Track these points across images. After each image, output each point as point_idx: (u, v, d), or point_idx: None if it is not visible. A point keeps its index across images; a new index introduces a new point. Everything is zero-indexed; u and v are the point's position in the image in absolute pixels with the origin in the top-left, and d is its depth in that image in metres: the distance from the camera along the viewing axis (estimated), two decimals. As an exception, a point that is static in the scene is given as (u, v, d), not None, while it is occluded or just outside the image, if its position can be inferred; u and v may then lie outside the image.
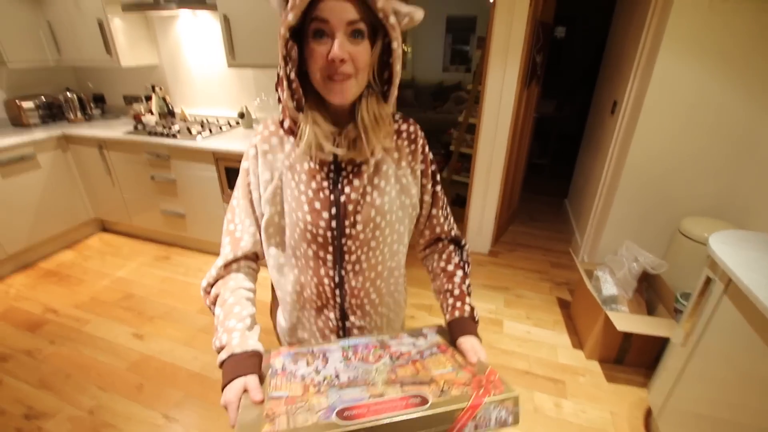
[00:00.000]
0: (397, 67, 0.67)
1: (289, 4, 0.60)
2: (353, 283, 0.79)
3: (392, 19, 0.63)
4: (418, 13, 0.65)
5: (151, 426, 1.61)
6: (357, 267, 0.78)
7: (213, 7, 2.33)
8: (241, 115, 2.75)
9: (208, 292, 0.77)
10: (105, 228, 3.24)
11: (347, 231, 0.75)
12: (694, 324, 1.39)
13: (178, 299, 2.38)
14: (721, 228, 1.70)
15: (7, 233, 2.52)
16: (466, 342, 0.72)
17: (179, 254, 2.89)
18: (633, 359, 1.88)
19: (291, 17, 0.60)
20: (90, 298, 2.39)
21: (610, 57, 3.00)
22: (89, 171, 2.88)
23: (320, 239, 0.74)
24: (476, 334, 0.76)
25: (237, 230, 0.78)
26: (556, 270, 2.72)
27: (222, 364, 0.64)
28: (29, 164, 2.60)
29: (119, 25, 2.62)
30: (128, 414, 1.66)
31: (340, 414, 0.52)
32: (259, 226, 0.78)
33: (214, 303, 0.75)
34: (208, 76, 2.91)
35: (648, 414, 1.65)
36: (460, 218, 3.07)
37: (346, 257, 0.76)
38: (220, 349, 0.67)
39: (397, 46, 0.65)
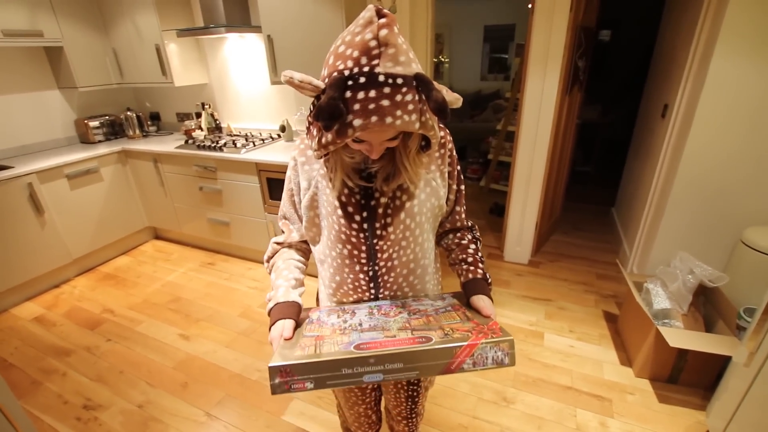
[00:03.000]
0: (435, 141, 0.70)
1: (329, 138, 0.61)
2: (386, 278, 0.84)
3: (431, 133, 0.65)
4: (458, 103, 0.66)
5: (194, 423, 1.68)
6: (389, 264, 0.82)
7: (258, 29, 2.47)
8: (282, 129, 2.87)
9: (268, 262, 0.92)
10: (158, 235, 3.47)
11: (378, 232, 0.79)
12: (760, 342, 1.27)
13: (222, 303, 2.50)
14: (789, 237, 1.56)
15: (73, 239, 2.77)
16: (479, 300, 0.79)
17: (223, 260, 3.03)
18: (689, 379, 1.73)
19: (332, 148, 0.63)
20: (143, 300, 2.55)
21: (659, 59, 2.86)
22: (145, 183, 3.11)
23: (354, 239, 0.80)
24: (488, 295, 0.82)
25: (287, 226, 0.92)
26: (602, 282, 2.58)
27: (269, 312, 0.79)
28: (94, 177, 2.85)
29: (174, 49, 2.85)
30: (173, 410, 1.74)
31: (357, 346, 0.64)
32: (302, 223, 0.89)
33: (271, 271, 0.90)
34: (253, 93, 3.07)
35: (707, 440, 1.51)
36: (499, 227, 3.00)
37: (379, 255, 0.81)
38: (269, 302, 0.82)
39: (435, 140, 0.69)
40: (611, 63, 5.23)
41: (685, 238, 2.10)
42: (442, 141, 0.82)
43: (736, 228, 1.92)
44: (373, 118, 0.58)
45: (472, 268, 0.87)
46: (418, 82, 0.60)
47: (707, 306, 1.89)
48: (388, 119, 0.58)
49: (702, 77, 1.84)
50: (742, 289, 1.76)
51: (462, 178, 0.90)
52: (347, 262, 0.83)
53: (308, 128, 0.69)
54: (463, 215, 0.94)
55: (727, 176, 1.91)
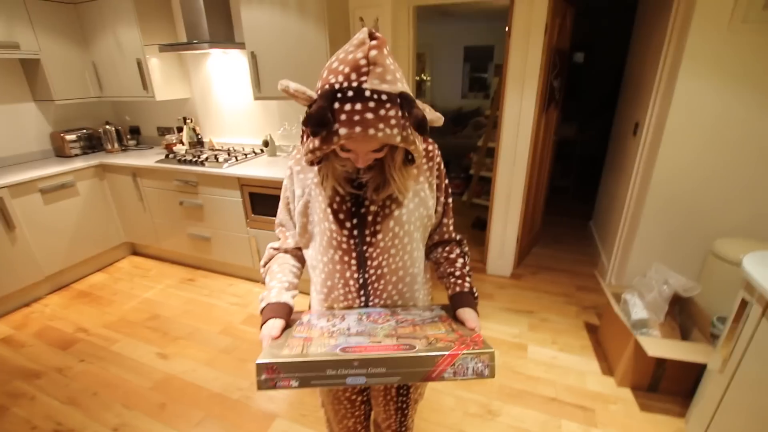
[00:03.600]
0: (417, 156, 0.74)
1: (316, 143, 0.66)
2: (376, 285, 0.86)
3: (412, 147, 0.69)
4: (439, 122, 0.74)
5: (172, 446, 1.61)
6: (379, 272, 0.85)
7: (241, 46, 2.49)
8: (266, 144, 2.87)
9: (264, 266, 0.95)
10: (135, 251, 3.37)
11: (368, 239, 0.83)
12: (732, 349, 1.32)
13: (202, 320, 2.43)
14: (756, 248, 1.64)
15: (45, 255, 2.67)
16: (464, 312, 0.82)
17: (204, 276, 2.96)
18: (668, 387, 1.78)
19: (319, 153, 0.68)
20: (118, 318, 2.46)
21: (629, 80, 3.00)
22: (123, 197, 3.04)
23: (344, 246, 0.83)
24: (475, 308, 0.85)
25: (283, 233, 0.96)
26: (582, 293, 2.64)
27: (261, 312, 0.82)
28: (69, 191, 2.77)
29: (156, 64, 2.83)
30: (150, 433, 1.67)
31: (343, 349, 0.67)
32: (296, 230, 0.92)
33: (266, 274, 0.93)
34: (236, 108, 3.07)
35: (687, 447, 1.54)
36: (481, 241, 3.04)
37: (369, 263, 0.84)
38: (261, 301, 0.85)
39: (416, 153, 0.72)
40: (585, 83, 5.46)
41: (659, 250, 2.17)
42: (431, 154, 0.87)
43: (707, 240, 2.01)
44: (357, 129, 0.63)
45: (459, 281, 0.90)
46: (402, 100, 0.65)
47: (682, 315, 1.95)
48: (371, 131, 0.63)
49: (669, 97, 1.95)
50: (714, 298, 1.83)
51: (449, 191, 0.94)
52: (338, 267, 0.85)
53: (302, 136, 0.74)
54: (451, 227, 0.97)
55: (696, 190, 2.00)
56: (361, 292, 0.87)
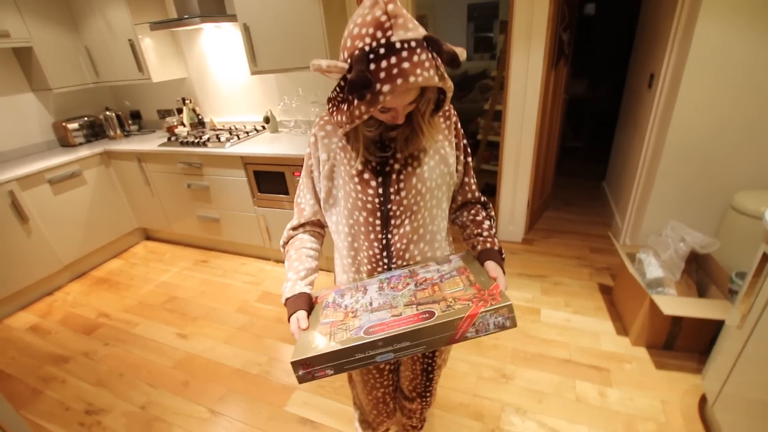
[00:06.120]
0: (448, 95, 0.77)
1: (362, 109, 0.68)
2: (398, 245, 0.88)
3: (449, 84, 0.72)
4: (463, 55, 0.73)
5: (198, 420, 1.68)
6: (401, 230, 0.88)
7: (233, 18, 2.40)
8: (267, 120, 2.82)
9: (284, 248, 0.98)
10: (148, 236, 3.42)
11: (392, 197, 0.85)
12: (751, 304, 1.28)
13: (217, 300, 2.48)
14: (778, 199, 1.57)
15: (62, 245, 2.72)
16: (491, 265, 0.82)
17: (216, 257, 3.01)
18: (684, 344, 1.76)
19: (365, 117, 0.69)
20: (137, 302, 2.53)
21: (644, 29, 2.83)
22: (130, 183, 3.05)
23: (369, 206, 0.86)
24: (500, 263, 0.85)
25: (301, 203, 0.97)
26: (595, 255, 2.60)
27: (285, 305, 0.86)
28: (77, 180, 2.79)
29: (149, 44, 2.76)
30: (176, 409, 1.74)
31: (366, 331, 0.69)
32: (319, 200, 0.94)
33: (286, 259, 0.96)
34: (234, 85, 3.00)
35: (702, 401, 1.54)
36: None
37: (392, 221, 0.87)
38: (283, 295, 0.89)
39: (449, 93, 0.75)
40: (597, 36, 5.18)
41: (675, 207, 2.11)
42: (447, 113, 0.89)
43: (726, 194, 1.93)
44: (399, 81, 0.65)
45: (489, 240, 0.92)
46: (428, 42, 0.67)
47: (699, 272, 1.91)
48: (411, 78, 0.65)
49: (687, 44, 1.82)
50: (733, 253, 1.78)
51: (469, 150, 0.95)
52: (362, 229, 0.88)
53: (333, 107, 0.75)
54: (474, 187, 0.99)
55: (715, 143, 1.91)
56: (384, 254, 0.89)
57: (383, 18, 0.65)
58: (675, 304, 1.65)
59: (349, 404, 1.67)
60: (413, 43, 0.65)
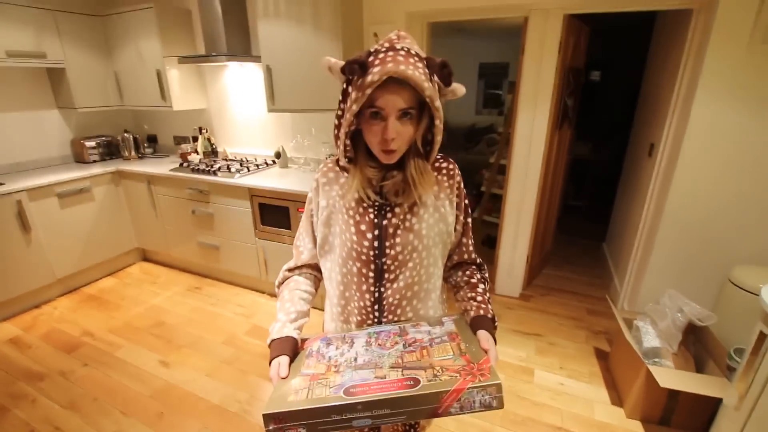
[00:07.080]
0: (438, 138, 0.78)
1: (353, 97, 0.73)
2: (391, 299, 0.88)
3: (437, 103, 0.74)
4: (461, 90, 0.79)
5: (167, 457, 1.60)
6: (395, 285, 0.87)
7: (257, 59, 2.54)
8: (278, 155, 2.90)
9: (278, 288, 0.97)
10: (146, 257, 3.42)
11: (387, 251, 0.85)
12: (749, 384, 1.25)
13: (206, 329, 2.43)
14: (775, 277, 1.57)
15: (58, 258, 2.72)
16: (483, 335, 0.79)
17: (211, 285, 2.98)
18: (681, 421, 1.69)
19: (355, 107, 0.72)
20: (124, 324, 2.48)
21: (645, 99, 2.96)
22: (137, 204, 3.10)
23: (363, 257, 0.86)
24: (492, 333, 0.82)
25: (300, 245, 0.98)
26: (593, 317, 2.56)
27: (269, 346, 0.83)
28: (85, 196, 2.84)
29: (175, 75, 2.91)
30: (146, 443, 1.66)
31: (347, 391, 0.65)
32: (316, 244, 0.94)
33: (278, 301, 0.94)
34: (250, 119, 3.12)
35: (701, 487, 1.45)
36: (490, 259, 2.99)
37: (386, 275, 0.86)
38: (269, 335, 0.86)
39: (439, 123, 0.76)
40: (601, 102, 5.40)
41: (674, 276, 2.10)
42: (451, 172, 0.90)
43: (724, 267, 1.93)
44: (390, 65, 0.69)
45: (483, 306, 0.88)
46: (428, 61, 0.74)
47: (697, 345, 1.87)
48: (402, 67, 0.69)
49: (685, 118, 1.90)
50: (731, 328, 1.75)
51: (469, 211, 0.95)
52: (355, 280, 0.88)
53: (336, 120, 0.79)
54: (471, 248, 0.97)
55: (713, 215, 1.94)
56: (375, 307, 0.88)
57: (393, 36, 0.75)
58: (672, 377, 1.60)
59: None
60: (413, 51, 0.73)
